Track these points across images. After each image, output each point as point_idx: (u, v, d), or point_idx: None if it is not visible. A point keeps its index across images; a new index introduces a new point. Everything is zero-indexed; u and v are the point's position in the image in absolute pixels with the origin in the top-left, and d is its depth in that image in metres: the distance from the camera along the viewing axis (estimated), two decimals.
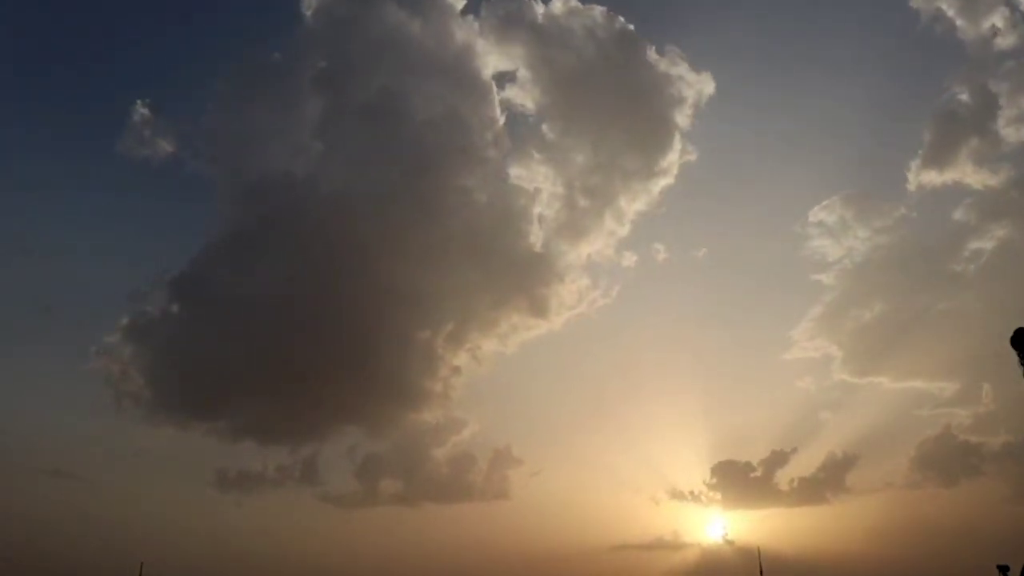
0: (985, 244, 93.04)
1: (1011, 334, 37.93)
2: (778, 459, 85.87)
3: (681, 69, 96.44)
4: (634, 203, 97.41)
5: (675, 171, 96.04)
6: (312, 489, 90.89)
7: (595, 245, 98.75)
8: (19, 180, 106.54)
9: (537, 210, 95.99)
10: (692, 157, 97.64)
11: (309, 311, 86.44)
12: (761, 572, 60.53)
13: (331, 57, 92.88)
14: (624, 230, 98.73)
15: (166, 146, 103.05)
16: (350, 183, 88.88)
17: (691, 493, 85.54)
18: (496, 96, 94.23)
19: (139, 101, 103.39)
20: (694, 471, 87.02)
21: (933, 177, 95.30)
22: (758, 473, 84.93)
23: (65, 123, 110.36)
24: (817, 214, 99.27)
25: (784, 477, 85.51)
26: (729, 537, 77.37)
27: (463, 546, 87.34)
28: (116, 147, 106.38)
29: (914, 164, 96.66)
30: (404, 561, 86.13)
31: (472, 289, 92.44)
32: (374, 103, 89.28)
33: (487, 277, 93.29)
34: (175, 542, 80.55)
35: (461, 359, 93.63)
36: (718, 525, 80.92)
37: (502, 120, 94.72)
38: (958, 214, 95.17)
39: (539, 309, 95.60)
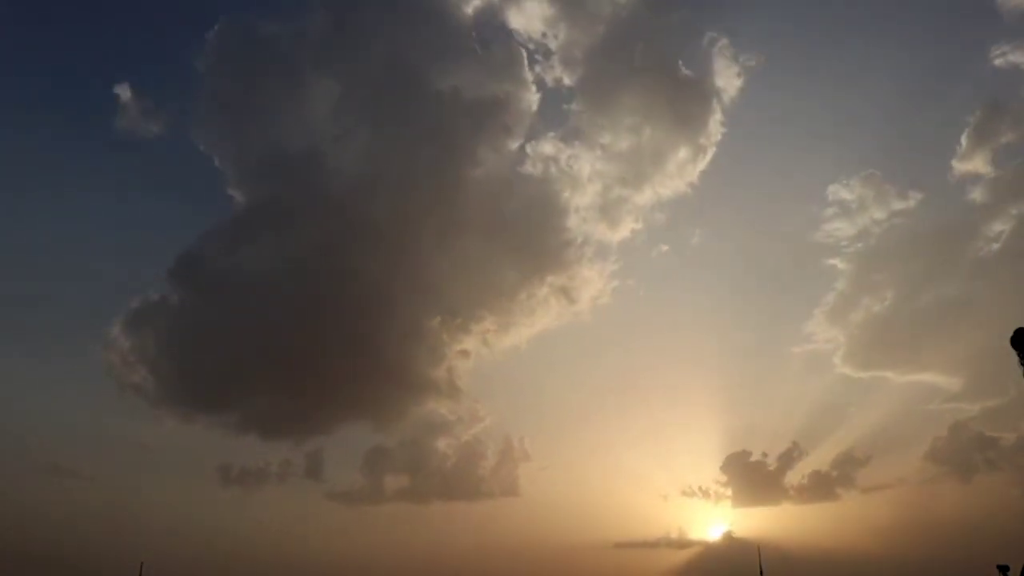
0: (1005, 226, 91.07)
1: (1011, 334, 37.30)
2: (789, 455, 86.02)
3: (721, 45, 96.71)
4: (661, 189, 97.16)
5: (709, 154, 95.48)
6: (317, 485, 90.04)
7: (620, 232, 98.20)
8: (12, 176, 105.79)
9: (563, 193, 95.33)
10: (729, 139, 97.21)
11: (316, 299, 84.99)
12: (761, 572, 60.20)
13: (337, 24, 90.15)
14: (647, 218, 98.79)
15: (160, 129, 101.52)
16: (360, 164, 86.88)
17: (701, 489, 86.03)
18: (525, 70, 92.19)
19: (125, 83, 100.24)
20: (704, 467, 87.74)
21: (968, 165, 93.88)
22: (769, 469, 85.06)
23: (56, 119, 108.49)
24: (837, 192, 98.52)
25: (795, 473, 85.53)
26: (736, 534, 78.61)
27: (468, 541, 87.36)
28: (110, 135, 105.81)
29: (955, 149, 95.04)
30: (410, 558, 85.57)
31: (488, 278, 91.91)
32: (388, 76, 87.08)
33: (504, 265, 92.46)
34: (177, 540, 79.39)
35: (472, 351, 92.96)
36: (726, 522, 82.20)
37: (529, 96, 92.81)
38: (977, 195, 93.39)
39: (552, 299, 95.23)
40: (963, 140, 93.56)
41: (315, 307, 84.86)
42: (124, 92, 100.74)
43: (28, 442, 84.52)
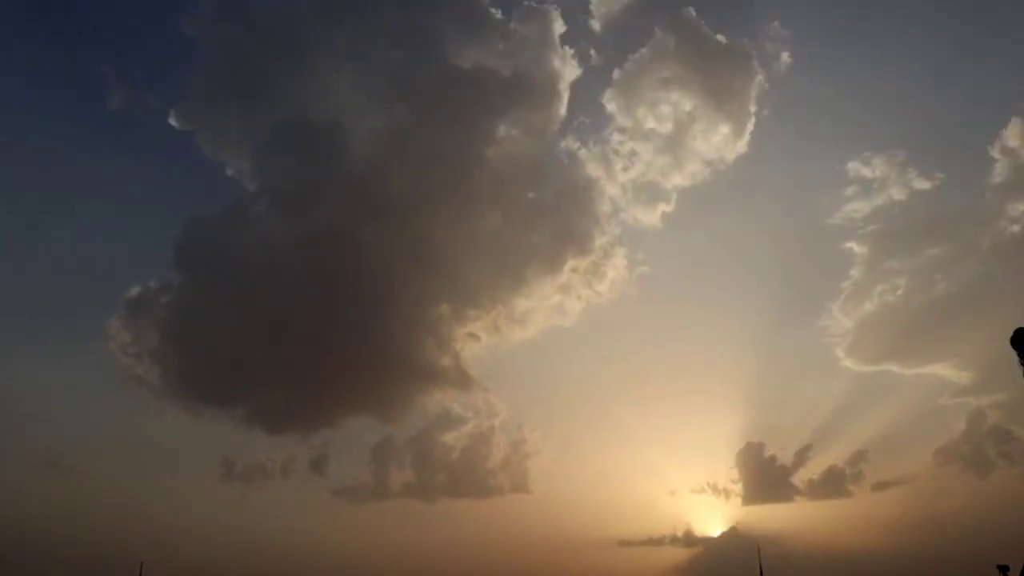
0: None
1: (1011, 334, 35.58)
2: (802, 451, 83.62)
3: (760, 22, 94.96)
4: (696, 172, 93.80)
5: (746, 136, 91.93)
6: (323, 481, 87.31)
7: (651, 216, 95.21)
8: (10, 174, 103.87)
9: (591, 174, 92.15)
10: (765, 120, 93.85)
11: (324, 286, 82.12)
12: (761, 572, 58.84)
13: None
14: (679, 202, 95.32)
15: (155, 113, 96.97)
16: (372, 146, 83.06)
17: (711, 486, 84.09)
18: (553, 42, 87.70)
19: (111, 66, 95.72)
20: (715, 463, 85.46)
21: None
22: (780, 465, 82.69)
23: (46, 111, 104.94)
24: (859, 170, 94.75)
25: (807, 470, 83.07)
26: (744, 531, 76.56)
27: (474, 538, 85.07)
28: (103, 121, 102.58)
29: (989, 127, 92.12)
30: (416, 553, 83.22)
31: (505, 264, 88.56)
32: (403, 42, 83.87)
33: (524, 251, 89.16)
34: (178, 539, 76.86)
35: (484, 341, 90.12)
36: (734, 519, 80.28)
37: (556, 70, 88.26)
38: (1001, 173, 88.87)
39: (572, 287, 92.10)
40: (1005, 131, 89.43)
41: (322, 294, 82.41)
42: (114, 78, 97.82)
43: (24, 437, 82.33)
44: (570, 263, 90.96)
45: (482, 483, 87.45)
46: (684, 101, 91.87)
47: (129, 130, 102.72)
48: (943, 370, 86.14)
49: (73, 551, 71.39)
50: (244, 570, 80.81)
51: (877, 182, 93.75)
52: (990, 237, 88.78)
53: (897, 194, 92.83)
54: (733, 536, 78.36)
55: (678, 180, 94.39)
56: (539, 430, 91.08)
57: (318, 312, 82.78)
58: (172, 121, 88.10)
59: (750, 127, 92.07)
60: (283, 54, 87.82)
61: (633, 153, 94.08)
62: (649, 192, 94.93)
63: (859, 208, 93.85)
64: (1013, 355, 36.42)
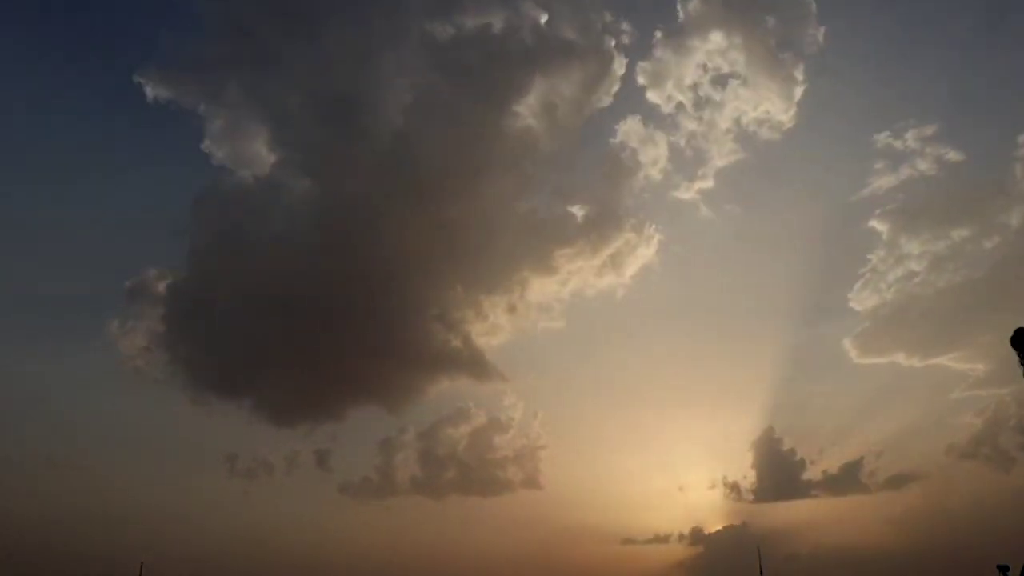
0: None
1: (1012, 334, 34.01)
2: (816, 446, 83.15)
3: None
4: (730, 150, 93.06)
5: (792, 111, 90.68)
6: (329, 477, 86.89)
7: (686, 194, 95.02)
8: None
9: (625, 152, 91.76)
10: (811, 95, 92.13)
11: (335, 271, 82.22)
12: (761, 571, 57.95)
13: None
14: (717, 180, 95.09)
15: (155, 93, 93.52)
16: (394, 117, 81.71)
17: (723, 482, 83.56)
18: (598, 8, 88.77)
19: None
20: (728, 460, 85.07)
21: None
22: (793, 463, 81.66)
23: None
24: (889, 143, 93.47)
25: (819, 466, 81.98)
26: (754, 529, 76.36)
27: (479, 536, 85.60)
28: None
29: None
30: (422, 552, 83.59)
31: (526, 248, 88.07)
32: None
33: (549, 231, 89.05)
34: (180, 538, 76.43)
35: (499, 329, 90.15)
36: (745, 516, 79.76)
37: (589, 42, 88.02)
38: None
39: (597, 271, 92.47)
40: None
41: (334, 280, 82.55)
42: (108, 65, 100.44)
43: (24, 435, 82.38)
44: (594, 248, 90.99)
45: (492, 478, 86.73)
46: (728, 65, 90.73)
47: (124, 119, 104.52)
48: (960, 362, 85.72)
49: (73, 550, 71.31)
50: (247, 568, 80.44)
51: (908, 155, 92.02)
52: (1019, 215, 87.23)
53: (929, 169, 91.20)
54: (742, 533, 77.94)
55: (717, 157, 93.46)
56: (550, 423, 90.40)
57: (328, 299, 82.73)
58: (137, 78, 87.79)
59: (798, 95, 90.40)
60: (295, 26, 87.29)
61: (683, 128, 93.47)
62: (686, 169, 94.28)
63: (884, 183, 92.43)
64: (1014, 355, 34.96)
